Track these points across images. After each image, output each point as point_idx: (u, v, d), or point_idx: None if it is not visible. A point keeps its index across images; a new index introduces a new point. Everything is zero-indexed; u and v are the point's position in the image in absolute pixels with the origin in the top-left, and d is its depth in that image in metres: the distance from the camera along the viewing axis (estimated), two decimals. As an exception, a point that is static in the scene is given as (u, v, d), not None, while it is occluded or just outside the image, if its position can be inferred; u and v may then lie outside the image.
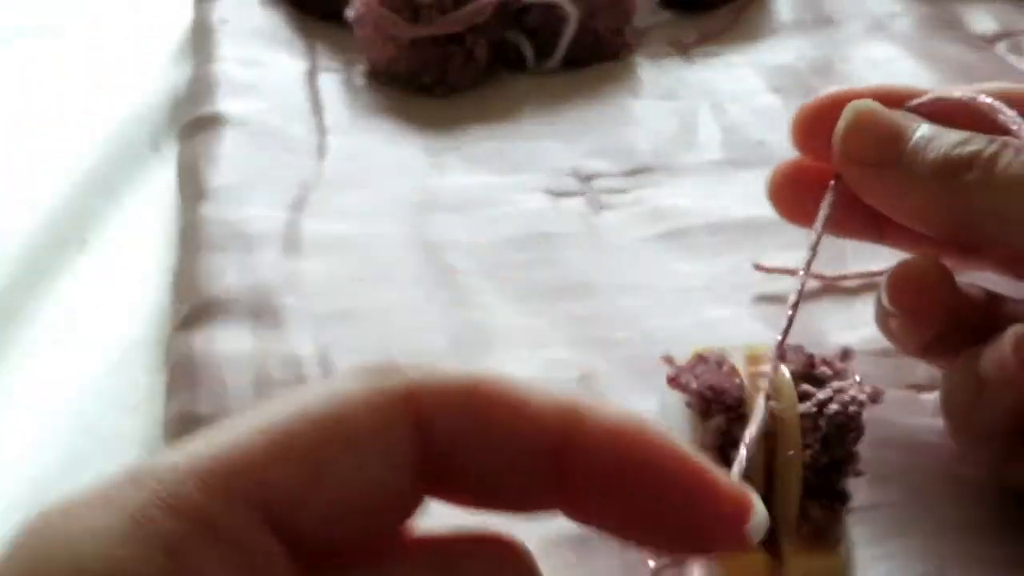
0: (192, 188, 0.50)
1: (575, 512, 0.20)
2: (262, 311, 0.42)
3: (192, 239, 0.47)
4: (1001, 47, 0.63)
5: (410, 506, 0.20)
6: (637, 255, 0.46)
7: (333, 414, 0.19)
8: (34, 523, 0.18)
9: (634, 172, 0.52)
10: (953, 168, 0.32)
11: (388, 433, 0.19)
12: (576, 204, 0.50)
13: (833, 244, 0.46)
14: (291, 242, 0.46)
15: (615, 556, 0.32)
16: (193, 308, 0.43)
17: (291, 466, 0.18)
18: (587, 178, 0.52)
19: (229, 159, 0.52)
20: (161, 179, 0.55)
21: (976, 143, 0.32)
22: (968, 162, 0.32)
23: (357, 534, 0.19)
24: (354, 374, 0.20)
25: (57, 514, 0.18)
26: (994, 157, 0.32)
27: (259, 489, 0.18)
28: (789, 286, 0.43)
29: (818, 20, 0.66)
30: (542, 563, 0.21)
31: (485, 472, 0.20)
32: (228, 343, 0.41)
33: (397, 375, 0.20)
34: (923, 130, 0.34)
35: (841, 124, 0.34)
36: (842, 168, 0.35)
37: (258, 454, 0.18)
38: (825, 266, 0.44)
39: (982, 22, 0.65)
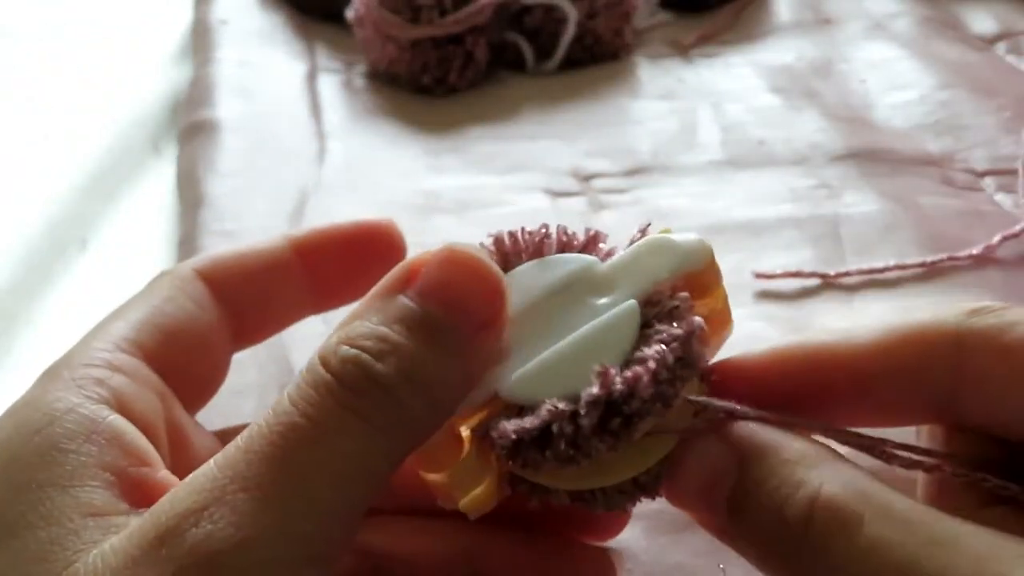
0: (191, 195, 0.50)
1: (326, 301, 0.32)
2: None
3: (191, 250, 0.46)
4: (1001, 47, 0.63)
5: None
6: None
7: (168, 304, 0.28)
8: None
9: (634, 172, 0.52)
10: None
11: (200, 305, 0.28)
12: (576, 204, 0.50)
13: (833, 242, 0.46)
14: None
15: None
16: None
17: (157, 335, 0.27)
18: (587, 178, 0.52)
19: (228, 166, 0.52)
20: (161, 180, 0.55)
21: None
22: None
23: (206, 377, 0.29)
24: (156, 278, 0.29)
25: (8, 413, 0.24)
26: None
27: (142, 350, 0.27)
28: (789, 285, 0.44)
29: (818, 20, 0.66)
30: None
31: (264, 309, 0.30)
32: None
33: (180, 267, 0.29)
34: None
35: None
36: None
37: (136, 329, 0.27)
38: (825, 263, 0.45)
39: (982, 23, 0.65)
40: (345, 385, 0.22)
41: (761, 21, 0.67)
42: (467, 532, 0.27)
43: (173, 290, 0.28)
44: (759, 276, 0.44)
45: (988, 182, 0.51)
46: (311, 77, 0.60)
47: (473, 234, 0.47)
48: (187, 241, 0.47)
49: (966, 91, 0.57)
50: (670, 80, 0.60)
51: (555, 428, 0.23)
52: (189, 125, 0.56)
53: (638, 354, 0.23)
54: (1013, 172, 0.49)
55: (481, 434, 0.24)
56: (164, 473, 0.24)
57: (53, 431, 0.23)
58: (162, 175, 0.55)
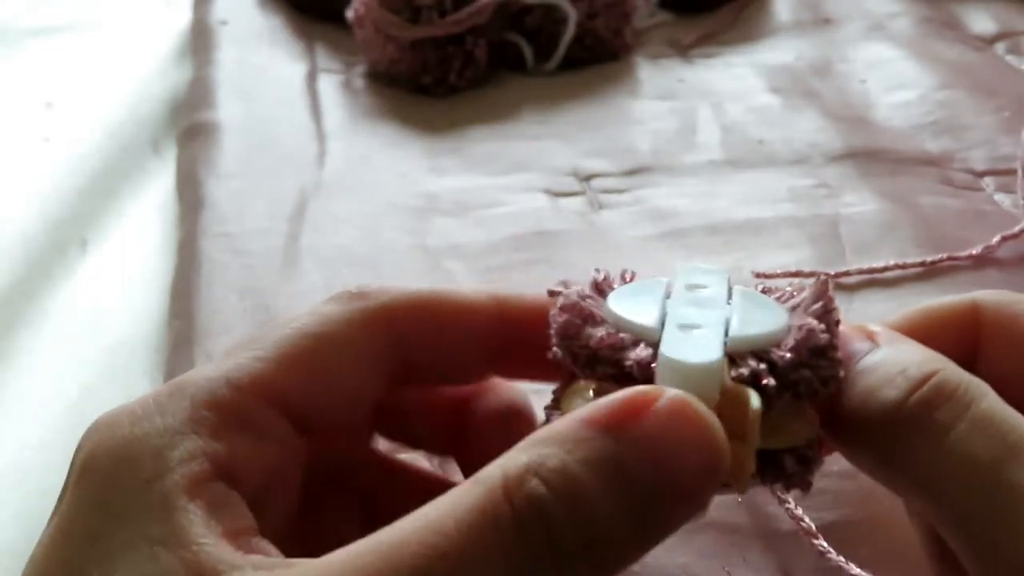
0: (191, 197, 0.50)
1: (509, 372, 0.28)
2: (262, 325, 0.42)
3: (191, 253, 0.46)
4: (1000, 47, 0.63)
5: (384, 402, 0.27)
6: (637, 254, 0.46)
7: (325, 331, 0.25)
8: (88, 436, 0.23)
9: (633, 172, 0.52)
10: None
11: (367, 342, 0.25)
12: (576, 204, 0.50)
13: (833, 242, 0.46)
14: (291, 255, 0.46)
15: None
16: (192, 325, 0.42)
17: (299, 368, 0.24)
18: (587, 178, 0.52)
19: (228, 168, 0.52)
20: (161, 181, 0.55)
21: None
22: None
23: (345, 419, 0.26)
24: (337, 298, 0.26)
25: (108, 421, 0.23)
26: None
27: (274, 388, 0.24)
28: (789, 283, 0.44)
29: (818, 20, 0.67)
30: None
31: (442, 358, 0.27)
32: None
33: (370, 297, 0.26)
34: None
35: None
36: None
37: (271, 363, 0.24)
38: (824, 263, 0.45)
39: (981, 23, 0.65)
40: (521, 529, 0.20)
41: (761, 21, 0.67)
42: None
43: (343, 325, 0.25)
44: (758, 276, 0.44)
45: (988, 182, 0.51)
46: (311, 78, 0.60)
47: (473, 234, 0.48)
48: (187, 243, 0.47)
49: (965, 91, 0.57)
50: (670, 80, 0.60)
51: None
52: (188, 127, 0.56)
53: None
54: (1012, 172, 0.49)
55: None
56: (255, 541, 0.22)
57: (165, 486, 0.21)
58: (162, 175, 0.55)
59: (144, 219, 0.53)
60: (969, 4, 0.67)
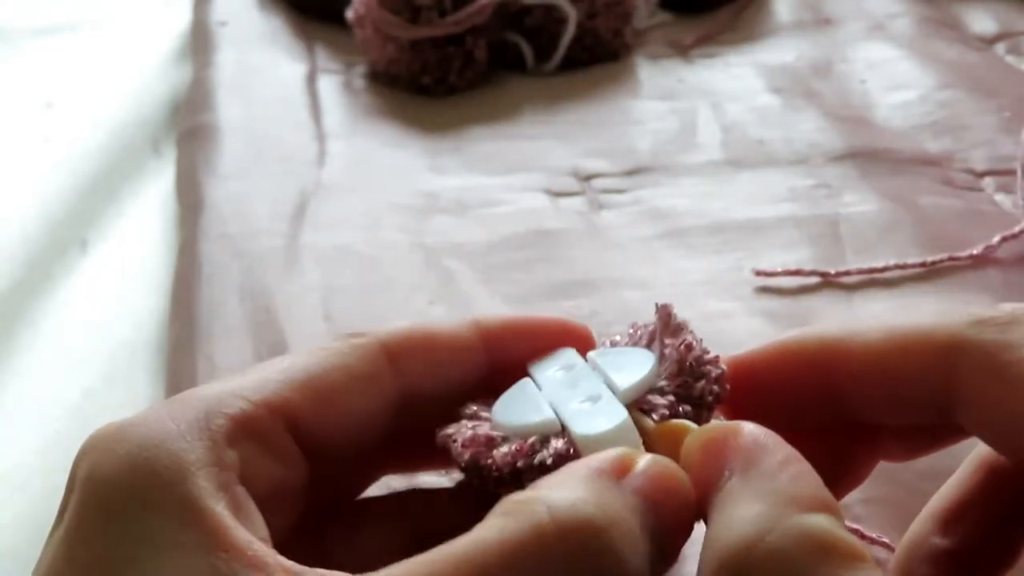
0: (191, 199, 0.50)
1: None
2: (263, 328, 0.42)
3: (191, 255, 0.46)
4: (1000, 47, 0.63)
5: (389, 431, 0.26)
6: (637, 253, 0.46)
7: (330, 361, 0.25)
8: (88, 445, 0.22)
9: (633, 172, 0.52)
10: None
11: (370, 373, 0.26)
12: (576, 204, 0.50)
13: (833, 242, 0.46)
14: (291, 255, 0.46)
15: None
16: (193, 327, 0.42)
17: (308, 392, 0.24)
18: (587, 178, 0.52)
19: (228, 169, 0.52)
20: (161, 181, 0.55)
21: None
22: None
23: (352, 445, 0.26)
24: (336, 338, 0.26)
25: (114, 429, 0.22)
26: None
27: (286, 405, 0.24)
28: (790, 282, 0.44)
29: (818, 20, 0.67)
30: None
31: (439, 385, 0.27)
32: (230, 360, 0.40)
33: (367, 335, 0.26)
34: None
35: None
36: None
37: (283, 383, 0.24)
38: (824, 263, 0.45)
39: (981, 23, 0.65)
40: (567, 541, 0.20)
41: (761, 21, 0.67)
42: None
43: (346, 356, 0.26)
44: (759, 274, 0.44)
45: (988, 182, 0.51)
46: (311, 78, 0.60)
47: (473, 233, 0.48)
48: (187, 246, 0.47)
49: (965, 91, 0.57)
50: (670, 80, 0.60)
51: None
52: (188, 129, 0.56)
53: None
54: (1012, 172, 0.49)
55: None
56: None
57: (189, 490, 0.21)
58: (162, 176, 0.55)
59: (144, 219, 0.53)
60: (969, 4, 0.67)
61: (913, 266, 0.44)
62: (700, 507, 0.22)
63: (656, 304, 0.27)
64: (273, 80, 0.60)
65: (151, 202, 0.54)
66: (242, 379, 0.24)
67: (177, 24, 0.69)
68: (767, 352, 0.26)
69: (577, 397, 0.25)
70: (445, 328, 0.27)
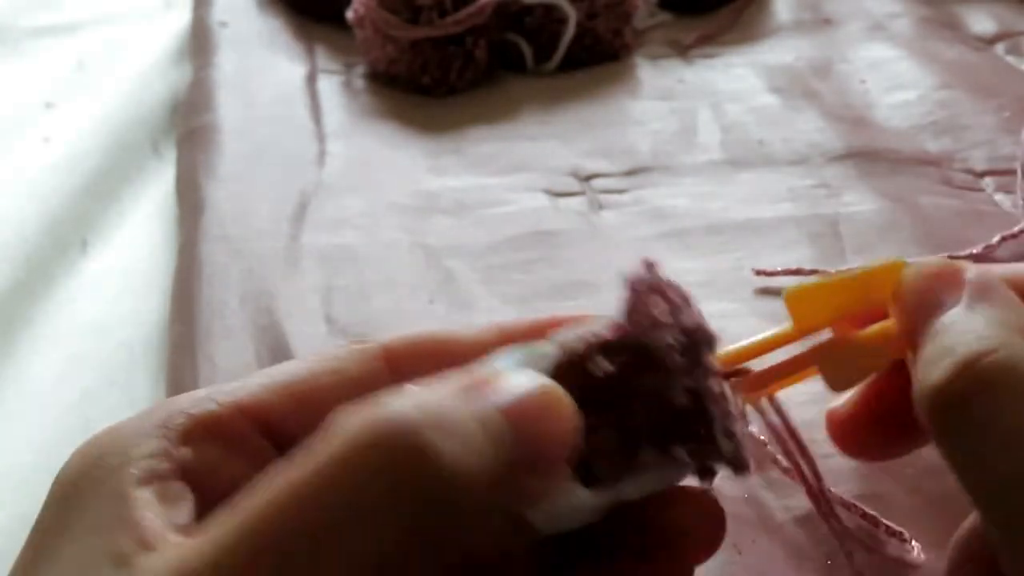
0: (191, 200, 0.50)
1: None
2: (263, 328, 0.42)
3: (191, 256, 0.46)
4: (1000, 48, 0.63)
5: None
6: (637, 253, 0.46)
7: (322, 366, 0.26)
8: (84, 445, 0.24)
9: (633, 172, 0.52)
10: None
11: (365, 377, 0.26)
12: (576, 204, 0.50)
13: (833, 241, 0.46)
14: (291, 256, 0.46)
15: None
16: (193, 328, 0.42)
17: (285, 394, 0.25)
18: (587, 178, 0.52)
19: (228, 170, 0.52)
20: (161, 181, 0.55)
21: None
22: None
23: None
24: (337, 345, 0.27)
25: (104, 433, 0.24)
26: None
27: (259, 407, 0.24)
28: (790, 282, 0.44)
29: (818, 20, 0.67)
30: None
31: None
32: (230, 360, 0.40)
33: (370, 341, 0.27)
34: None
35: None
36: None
37: (263, 386, 0.25)
38: (824, 262, 0.45)
39: (981, 23, 0.66)
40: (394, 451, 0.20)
41: (761, 21, 0.67)
42: None
43: (342, 361, 0.26)
44: (759, 273, 0.44)
45: (987, 182, 0.51)
46: (311, 79, 0.60)
47: (473, 234, 0.48)
48: (187, 247, 0.47)
49: (965, 91, 0.57)
50: (670, 80, 0.60)
51: None
52: (188, 130, 0.56)
53: None
54: (1012, 172, 0.49)
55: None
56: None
57: (119, 479, 0.22)
58: (162, 176, 0.55)
59: (144, 220, 0.53)
60: (969, 4, 0.67)
61: (913, 266, 0.44)
62: (910, 334, 0.24)
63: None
64: (273, 80, 0.60)
65: (151, 203, 0.54)
66: (228, 384, 0.25)
67: (177, 24, 0.69)
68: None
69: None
70: (458, 336, 0.27)
